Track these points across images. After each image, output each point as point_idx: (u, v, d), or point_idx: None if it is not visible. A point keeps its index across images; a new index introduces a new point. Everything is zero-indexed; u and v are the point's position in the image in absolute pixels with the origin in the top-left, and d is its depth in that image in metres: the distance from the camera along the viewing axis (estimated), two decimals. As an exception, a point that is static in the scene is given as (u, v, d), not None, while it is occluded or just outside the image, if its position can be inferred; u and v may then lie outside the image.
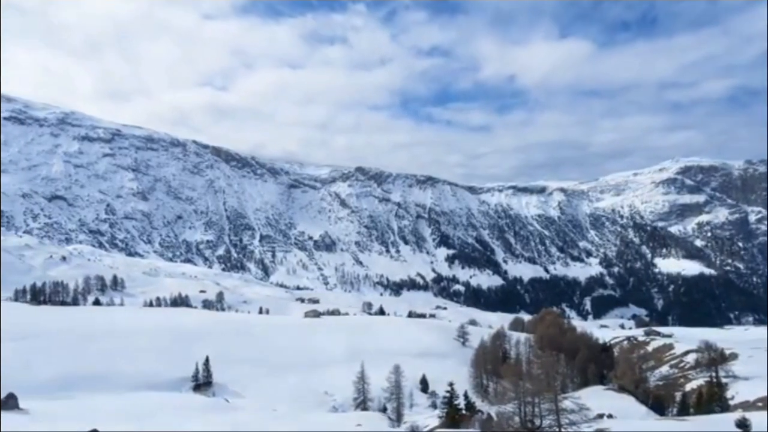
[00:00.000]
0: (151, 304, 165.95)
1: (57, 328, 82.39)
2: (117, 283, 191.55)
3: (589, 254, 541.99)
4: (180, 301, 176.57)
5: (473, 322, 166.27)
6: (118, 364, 71.06)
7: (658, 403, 72.40)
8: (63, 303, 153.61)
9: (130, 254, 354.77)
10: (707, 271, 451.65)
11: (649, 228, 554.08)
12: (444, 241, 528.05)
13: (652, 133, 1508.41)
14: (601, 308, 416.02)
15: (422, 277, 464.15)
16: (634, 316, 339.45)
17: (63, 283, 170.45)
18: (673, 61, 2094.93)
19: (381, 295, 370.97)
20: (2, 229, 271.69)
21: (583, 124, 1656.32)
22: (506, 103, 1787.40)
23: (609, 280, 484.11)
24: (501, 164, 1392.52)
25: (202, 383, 72.32)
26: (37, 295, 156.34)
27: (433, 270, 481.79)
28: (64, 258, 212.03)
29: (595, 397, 57.08)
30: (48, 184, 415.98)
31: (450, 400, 58.33)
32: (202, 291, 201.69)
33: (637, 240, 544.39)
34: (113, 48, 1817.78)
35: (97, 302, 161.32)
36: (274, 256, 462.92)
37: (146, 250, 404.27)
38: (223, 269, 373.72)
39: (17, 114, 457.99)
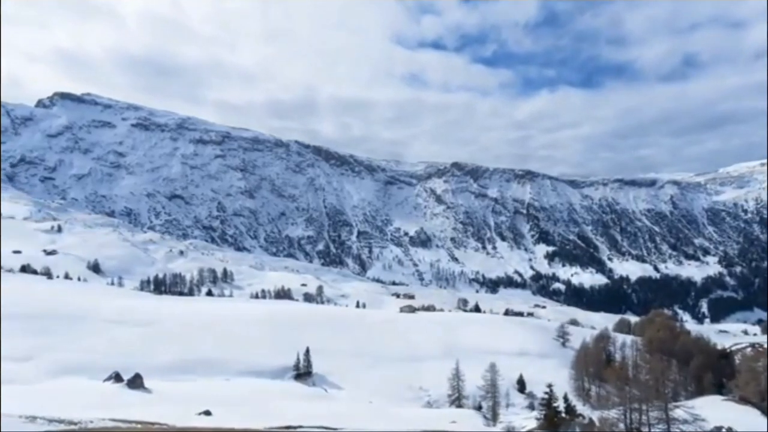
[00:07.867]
0: (256, 296, 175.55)
1: (176, 317, 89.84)
2: (227, 276, 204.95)
3: (706, 252, 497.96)
4: (283, 294, 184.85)
5: (574, 322, 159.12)
6: (227, 351, 76.07)
7: (789, 418, 65.02)
8: (180, 293, 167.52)
9: (238, 249, 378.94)
10: None
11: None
12: (543, 237, 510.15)
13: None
14: (719, 311, 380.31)
15: (520, 275, 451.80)
16: (759, 321, 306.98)
17: (181, 275, 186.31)
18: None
19: (477, 292, 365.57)
20: (131, 224, 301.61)
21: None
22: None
23: (730, 281, 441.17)
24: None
25: (303, 372, 75.32)
26: (159, 286, 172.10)
27: (532, 267, 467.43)
28: (181, 252, 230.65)
29: (712, 408, 52.36)
30: (168, 185, 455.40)
31: (549, 402, 56.31)
32: (303, 285, 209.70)
33: (763, 237, 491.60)
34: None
35: (209, 293, 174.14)
36: (370, 251, 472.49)
37: (252, 245, 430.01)
38: (323, 264, 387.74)
39: (142, 121, 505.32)
